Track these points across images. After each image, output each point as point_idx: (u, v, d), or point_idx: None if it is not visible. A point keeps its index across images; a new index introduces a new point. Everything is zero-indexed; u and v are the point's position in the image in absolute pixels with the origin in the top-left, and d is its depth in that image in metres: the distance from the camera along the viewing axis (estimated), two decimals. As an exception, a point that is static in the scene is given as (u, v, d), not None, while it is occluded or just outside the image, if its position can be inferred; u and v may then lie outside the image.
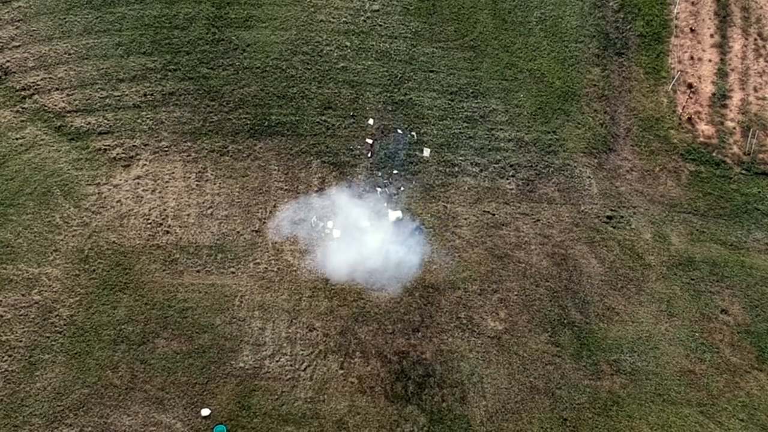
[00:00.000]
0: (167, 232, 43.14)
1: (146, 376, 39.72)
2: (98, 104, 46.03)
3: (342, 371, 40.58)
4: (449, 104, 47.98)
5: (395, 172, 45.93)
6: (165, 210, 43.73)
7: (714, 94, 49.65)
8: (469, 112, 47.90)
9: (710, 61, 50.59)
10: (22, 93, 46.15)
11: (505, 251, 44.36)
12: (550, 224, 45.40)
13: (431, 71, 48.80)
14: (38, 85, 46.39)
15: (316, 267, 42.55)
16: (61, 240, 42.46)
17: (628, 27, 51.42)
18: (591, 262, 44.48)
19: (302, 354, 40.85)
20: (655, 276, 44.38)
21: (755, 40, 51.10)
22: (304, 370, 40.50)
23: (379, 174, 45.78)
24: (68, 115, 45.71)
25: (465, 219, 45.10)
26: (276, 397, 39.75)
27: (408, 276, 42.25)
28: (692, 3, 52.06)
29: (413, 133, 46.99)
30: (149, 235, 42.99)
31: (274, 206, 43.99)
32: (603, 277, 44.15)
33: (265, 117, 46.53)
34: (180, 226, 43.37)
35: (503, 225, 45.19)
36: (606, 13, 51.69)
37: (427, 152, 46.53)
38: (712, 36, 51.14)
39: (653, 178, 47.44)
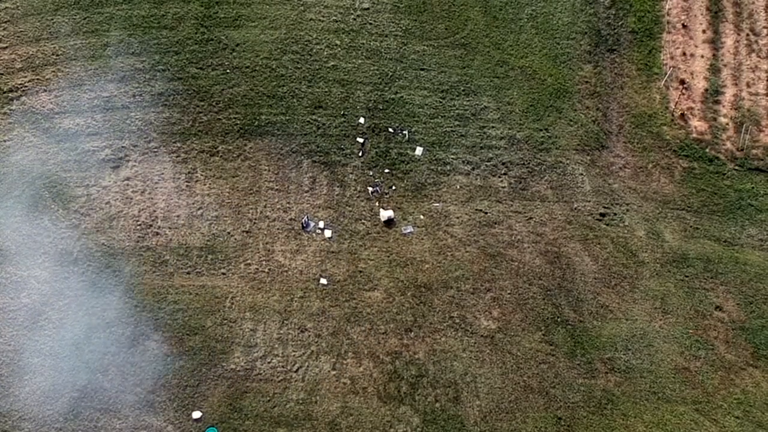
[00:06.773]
0: (157, 233, 42.79)
1: (136, 379, 39.37)
2: (86, 105, 45.66)
3: (334, 372, 40.30)
4: (440, 102, 47.69)
5: (386, 171, 45.65)
6: (155, 211, 43.39)
7: (707, 90, 49.45)
8: (460, 110, 47.62)
9: (703, 56, 50.38)
10: (10, 95, 45.73)
11: (497, 250, 44.11)
12: (542, 222, 45.15)
13: (422, 69, 48.52)
14: (26, 86, 45.98)
15: None
16: (50, 242, 42.08)
17: (620, 23, 51.19)
18: (584, 260, 44.25)
19: (294, 355, 40.55)
20: (648, 273, 44.16)
21: (747, 35, 50.90)
22: (296, 371, 40.20)
23: (371, 173, 45.50)
24: (56, 116, 45.30)
25: (457, 218, 44.82)
26: (268, 398, 39.45)
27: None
28: (684, -1, 51.93)
29: (405, 132, 46.70)
30: (139, 236, 42.63)
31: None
32: (596, 274, 43.91)
33: (255, 117, 46.20)
34: (170, 228, 43.02)
35: (496, 223, 44.93)
36: (597, 9, 51.45)
37: (419, 151, 46.24)
38: (704, 32, 50.93)
39: (646, 175, 47.23)
